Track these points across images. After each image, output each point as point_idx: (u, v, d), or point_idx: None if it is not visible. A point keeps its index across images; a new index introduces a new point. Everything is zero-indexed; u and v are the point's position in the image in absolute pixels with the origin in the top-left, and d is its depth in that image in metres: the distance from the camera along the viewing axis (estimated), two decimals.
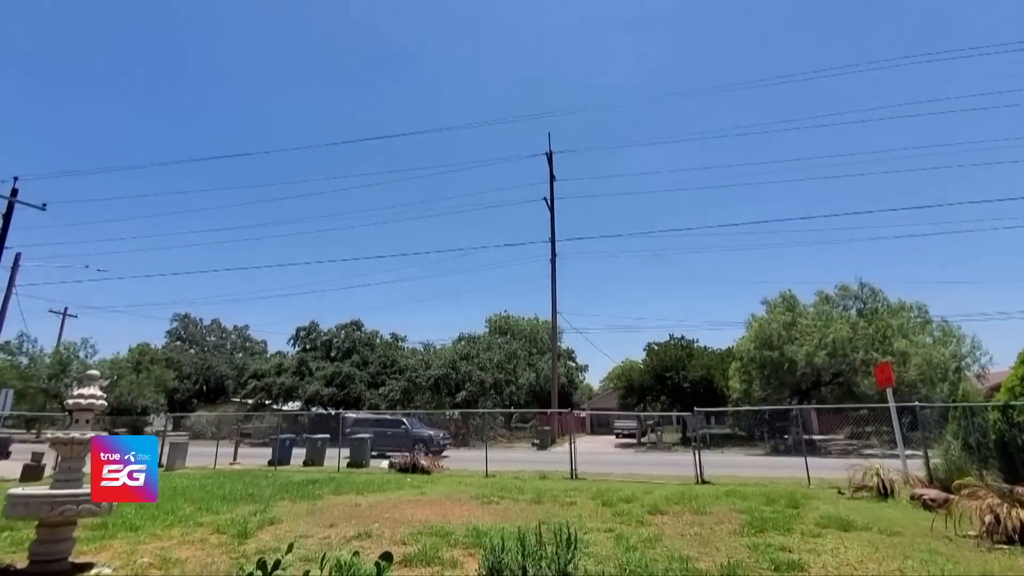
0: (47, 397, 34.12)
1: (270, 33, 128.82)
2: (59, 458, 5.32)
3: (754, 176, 76.27)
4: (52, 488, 5.00)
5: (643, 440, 30.44)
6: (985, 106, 63.47)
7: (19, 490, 5.05)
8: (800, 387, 25.79)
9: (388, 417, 23.19)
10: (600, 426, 43.51)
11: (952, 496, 7.19)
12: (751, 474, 13.06)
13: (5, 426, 27.20)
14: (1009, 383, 8.81)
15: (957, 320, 41.67)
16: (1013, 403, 8.30)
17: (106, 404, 5.60)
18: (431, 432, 22.02)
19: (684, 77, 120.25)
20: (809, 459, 12.14)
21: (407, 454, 14.87)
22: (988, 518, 5.92)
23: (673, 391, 30.37)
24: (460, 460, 17.62)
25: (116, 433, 26.04)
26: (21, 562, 4.97)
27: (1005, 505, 6.00)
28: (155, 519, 7.06)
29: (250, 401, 36.31)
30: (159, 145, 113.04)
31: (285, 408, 34.63)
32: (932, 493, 8.17)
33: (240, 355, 53.24)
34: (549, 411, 27.45)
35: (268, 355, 45.73)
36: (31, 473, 12.57)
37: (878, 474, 9.41)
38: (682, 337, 33.92)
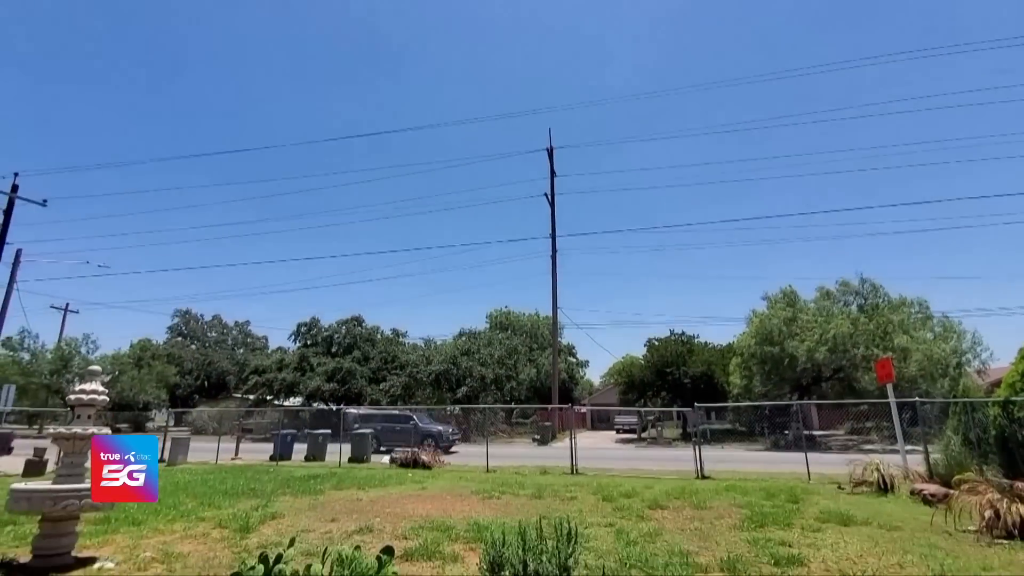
0: (49, 393, 34.28)
1: (270, 31, 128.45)
2: (61, 453, 5.35)
3: (754, 172, 76.08)
4: (54, 483, 5.03)
5: (644, 435, 30.42)
6: (984, 101, 63.22)
7: (22, 485, 5.08)
8: (800, 383, 25.78)
9: (396, 413, 22.80)
10: (601, 422, 43.54)
11: (952, 491, 7.20)
12: (751, 469, 13.08)
13: (7, 422, 27.38)
14: (1010, 379, 8.79)
15: (958, 316, 41.40)
16: (1013, 399, 8.29)
17: (108, 399, 5.62)
18: (440, 427, 21.79)
19: (683, 74, 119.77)
20: (809, 454, 12.15)
21: (409, 450, 14.89)
22: (988, 513, 5.93)
23: (674, 387, 30.39)
24: (461, 455, 17.72)
25: (118, 428, 26.26)
26: (24, 556, 5.01)
27: (1005, 500, 6.01)
28: (157, 514, 7.10)
29: (251, 397, 36.35)
30: (159, 142, 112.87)
31: (286, 404, 34.62)
32: (932, 488, 8.18)
33: (241, 351, 53.31)
34: (550, 407, 27.45)
35: (269, 351, 45.71)
36: (33, 468, 12.64)
37: (878, 469, 9.42)
38: (683, 333, 33.95)
